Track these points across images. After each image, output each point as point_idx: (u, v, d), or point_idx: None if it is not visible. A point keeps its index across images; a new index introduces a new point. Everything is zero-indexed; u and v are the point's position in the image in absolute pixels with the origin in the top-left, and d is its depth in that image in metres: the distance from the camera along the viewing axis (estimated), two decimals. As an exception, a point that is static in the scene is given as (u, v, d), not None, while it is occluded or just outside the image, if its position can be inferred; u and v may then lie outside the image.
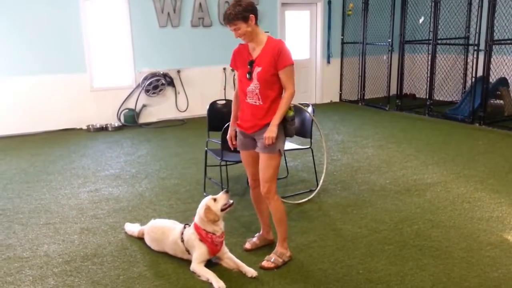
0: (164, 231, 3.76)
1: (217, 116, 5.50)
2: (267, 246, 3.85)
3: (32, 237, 4.11)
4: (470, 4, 9.63)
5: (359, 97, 10.79)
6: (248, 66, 3.42)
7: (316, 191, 5.04)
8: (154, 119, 9.17)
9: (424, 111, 9.27)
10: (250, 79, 3.41)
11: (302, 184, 5.35)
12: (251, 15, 3.29)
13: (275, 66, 3.34)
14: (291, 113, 3.46)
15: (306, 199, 4.88)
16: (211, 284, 3.28)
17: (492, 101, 8.68)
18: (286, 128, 3.47)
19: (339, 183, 5.38)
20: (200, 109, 9.09)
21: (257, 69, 3.38)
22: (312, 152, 5.34)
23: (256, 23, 3.35)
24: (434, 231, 4.10)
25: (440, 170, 5.79)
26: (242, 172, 5.63)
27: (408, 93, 10.74)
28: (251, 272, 3.42)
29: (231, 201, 3.58)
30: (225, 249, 3.60)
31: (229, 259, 3.57)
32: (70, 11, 8.24)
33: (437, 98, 9.71)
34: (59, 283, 3.37)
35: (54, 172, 6.02)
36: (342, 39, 10.91)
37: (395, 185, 5.28)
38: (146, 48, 8.93)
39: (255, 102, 3.44)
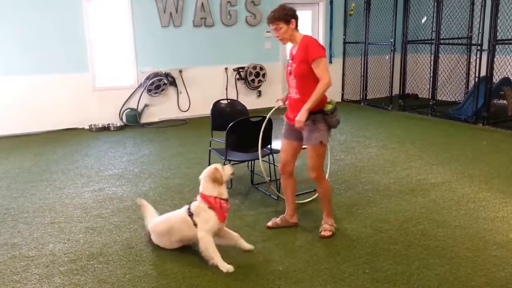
0: (167, 220, 3.80)
1: (221, 115, 5.51)
2: (286, 228, 4.17)
3: (37, 236, 4.11)
4: (472, 3, 9.59)
5: (361, 97, 10.79)
6: (289, 63, 3.89)
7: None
8: (156, 119, 9.17)
9: (427, 111, 9.26)
10: (290, 74, 3.84)
11: (306, 184, 5.33)
12: (292, 19, 3.73)
13: (307, 60, 3.68)
14: (330, 107, 3.77)
15: (310, 198, 4.87)
16: (215, 280, 3.28)
17: (495, 101, 8.67)
18: (327, 121, 3.79)
19: (343, 182, 5.37)
20: (202, 109, 9.10)
21: (293, 66, 3.81)
22: (316, 152, 5.32)
23: (296, 28, 3.77)
24: (439, 231, 4.09)
25: (444, 170, 5.79)
26: (245, 172, 5.63)
27: (410, 93, 10.74)
28: (248, 246, 3.70)
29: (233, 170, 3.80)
30: (225, 222, 3.72)
31: (226, 231, 3.72)
32: (73, 10, 8.24)
33: (440, 98, 9.69)
34: (66, 281, 3.37)
35: (57, 171, 6.01)
36: (344, 38, 10.90)
37: (399, 185, 5.27)
38: (148, 48, 8.93)
39: (294, 95, 3.85)
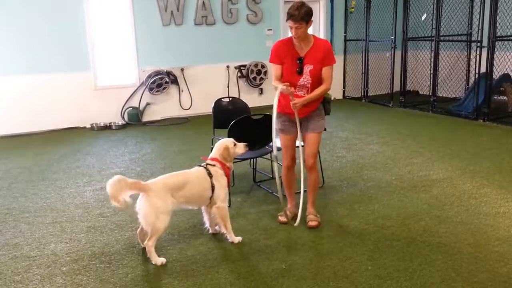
0: (183, 174, 3.80)
1: (223, 113, 5.50)
2: (288, 226, 4.21)
3: (38, 236, 4.11)
4: (472, 0, 9.60)
5: (362, 94, 10.79)
6: (298, 63, 3.92)
7: (322, 187, 5.03)
8: (158, 117, 9.17)
9: (427, 107, 9.26)
10: (300, 74, 3.94)
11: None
12: (311, 19, 3.81)
13: (324, 63, 3.89)
14: (330, 96, 4.14)
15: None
16: (217, 278, 3.28)
17: (495, 97, 8.66)
18: (325, 108, 4.14)
19: (345, 179, 5.37)
20: (204, 107, 9.09)
21: (308, 67, 3.91)
22: (318, 149, 5.32)
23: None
24: (441, 227, 4.09)
25: (445, 166, 5.78)
26: (248, 170, 5.63)
27: (411, 89, 10.73)
28: (237, 239, 3.86)
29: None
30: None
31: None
32: (74, 9, 8.24)
33: (440, 95, 9.69)
34: (68, 281, 3.37)
35: (58, 171, 6.01)
36: (345, 36, 10.90)
37: (401, 182, 5.27)
38: (150, 47, 8.93)
39: (304, 94, 3.98)
